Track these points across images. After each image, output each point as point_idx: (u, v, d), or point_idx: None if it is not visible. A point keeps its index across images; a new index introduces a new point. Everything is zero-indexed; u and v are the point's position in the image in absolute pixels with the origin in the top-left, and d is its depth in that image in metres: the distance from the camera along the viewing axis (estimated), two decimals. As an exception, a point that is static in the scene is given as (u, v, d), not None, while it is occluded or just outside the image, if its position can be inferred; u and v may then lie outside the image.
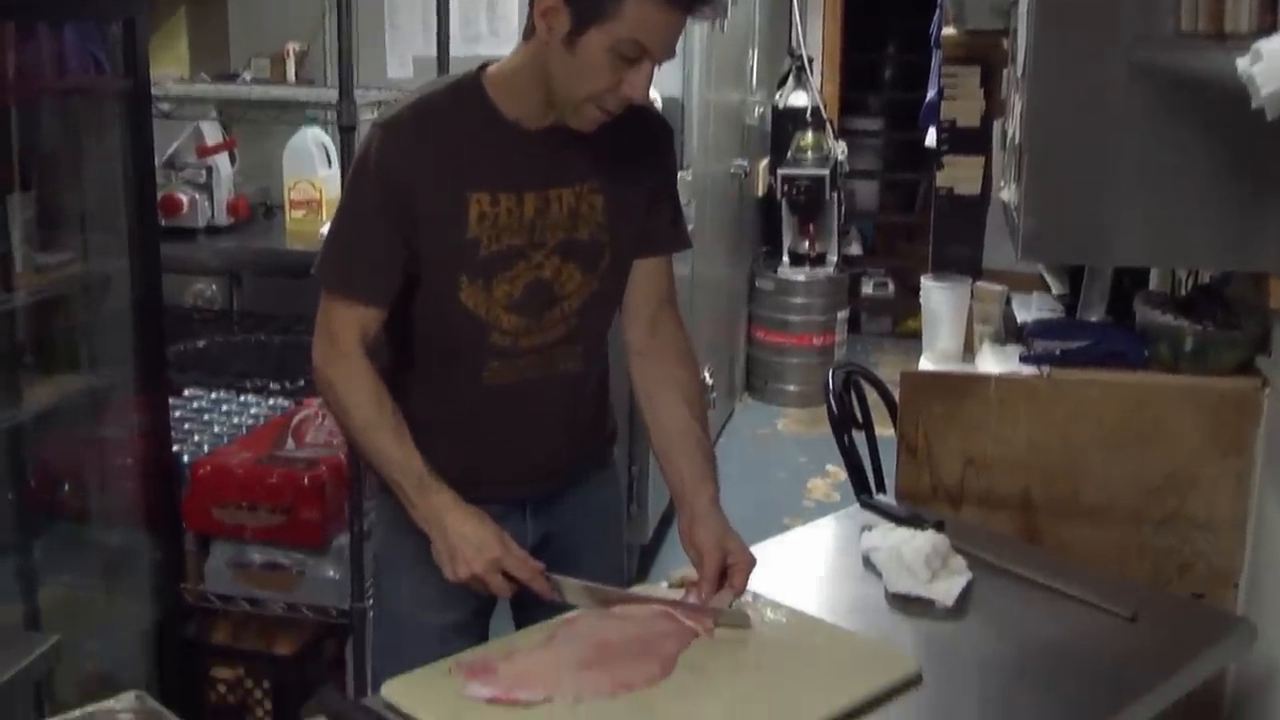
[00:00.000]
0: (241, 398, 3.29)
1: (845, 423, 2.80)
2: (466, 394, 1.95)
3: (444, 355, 1.95)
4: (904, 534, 2.06)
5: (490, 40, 4.06)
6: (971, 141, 3.56)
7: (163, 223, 3.28)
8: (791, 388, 6.24)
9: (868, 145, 7.76)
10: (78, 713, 1.52)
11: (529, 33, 1.79)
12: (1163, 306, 2.59)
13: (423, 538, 1.85)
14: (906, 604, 1.95)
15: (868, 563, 2.07)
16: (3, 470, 2.70)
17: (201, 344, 3.50)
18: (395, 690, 1.65)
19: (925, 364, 3.09)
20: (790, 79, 6.34)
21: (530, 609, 1.93)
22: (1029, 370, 2.63)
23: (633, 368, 2.03)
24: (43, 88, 2.64)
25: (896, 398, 2.72)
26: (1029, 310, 3.08)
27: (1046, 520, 2.54)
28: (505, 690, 1.62)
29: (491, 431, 1.98)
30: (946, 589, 1.94)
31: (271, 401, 3.26)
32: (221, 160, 3.74)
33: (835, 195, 6.18)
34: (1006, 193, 2.57)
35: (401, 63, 4.14)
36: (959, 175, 3.64)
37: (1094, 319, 2.83)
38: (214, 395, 3.31)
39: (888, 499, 2.41)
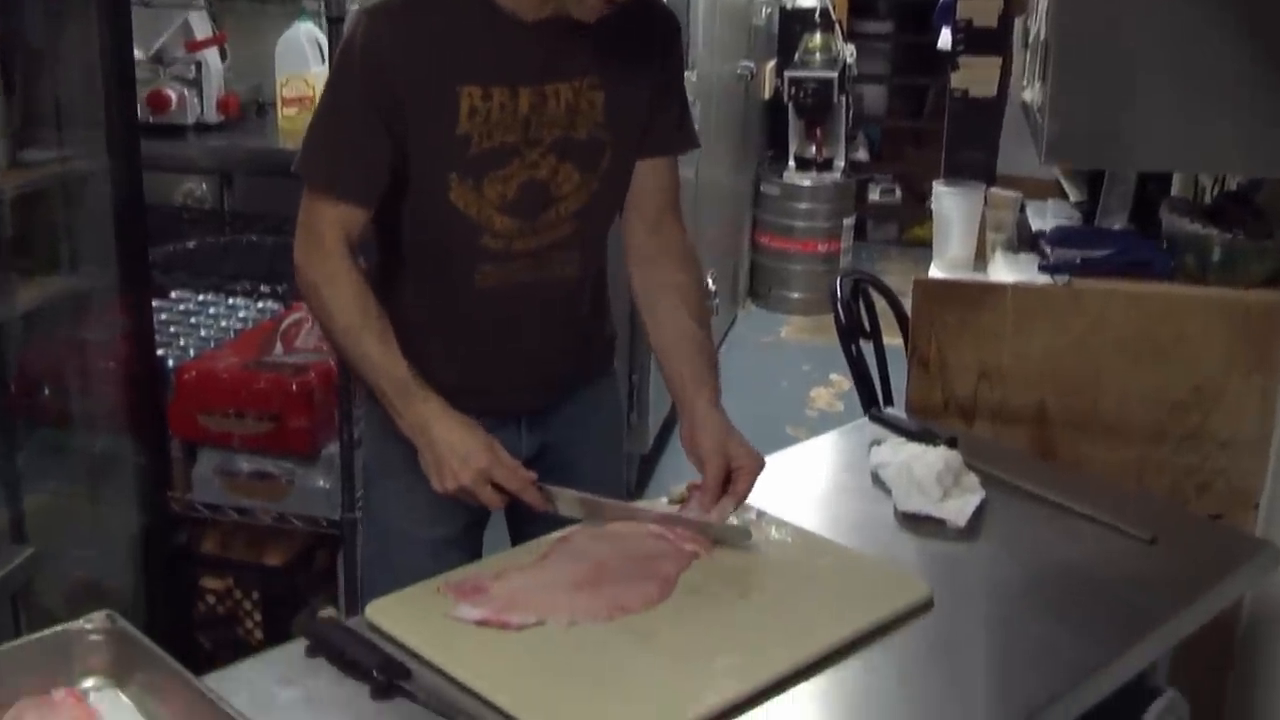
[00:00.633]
0: (230, 300, 3.22)
1: (853, 332, 2.72)
2: (458, 299, 1.88)
3: (434, 258, 1.87)
4: (915, 449, 1.98)
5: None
6: (988, 41, 3.43)
7: (151, 120, 3.23)
8: (796, 295, 6.23)
9: (876, 48, 7.62)
10: (47, 632, 1.46)
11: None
12: (1190, 214, 2.49)
13: (411, 448, 1.78)
14: (917, 523, 1.87)
15: (876, 479, 1.99)
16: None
17: (191, 245, 3.42)
18: (380, 611, 1.58)
19: (935, 272, 3.01)
20: (799, -22, 6.23)
21: (528, 523, 1.87)
22: (1047, 279, 2.53)
23: (633, 273, 1.95)
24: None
25: (906, 307, 2.63)
26: (1044, 218, 3.00)
27: (1062, 435, 2.47)
28: (495, 612, 1.55)
29: (484, 339, 1.91)
30: (959, 508, 1.87)
31: (261, 305, 3.18)
32: (211, 55, 3.62)
33: (843, 99, 6.12)
34: (1029, 93, 2.47)
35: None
36: (974, 77, 3.52)
37: (1115, 227, 2.73)
38: (201, 298, 3.23)
39: (898, 413, 2.33)
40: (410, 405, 1.76)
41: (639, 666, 1.47)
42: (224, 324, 3.11)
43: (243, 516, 2.84)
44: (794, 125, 6.17)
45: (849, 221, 6.29)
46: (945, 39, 3.66)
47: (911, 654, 1.56)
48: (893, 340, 2.78)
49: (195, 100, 3.58)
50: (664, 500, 1.86)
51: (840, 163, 6.23)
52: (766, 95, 6.13)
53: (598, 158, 1.83)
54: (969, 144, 3.51)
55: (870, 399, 2.59)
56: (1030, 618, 1.67)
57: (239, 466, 2.80)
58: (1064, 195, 3.17)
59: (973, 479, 1.93)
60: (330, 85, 1.81)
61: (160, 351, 2.87)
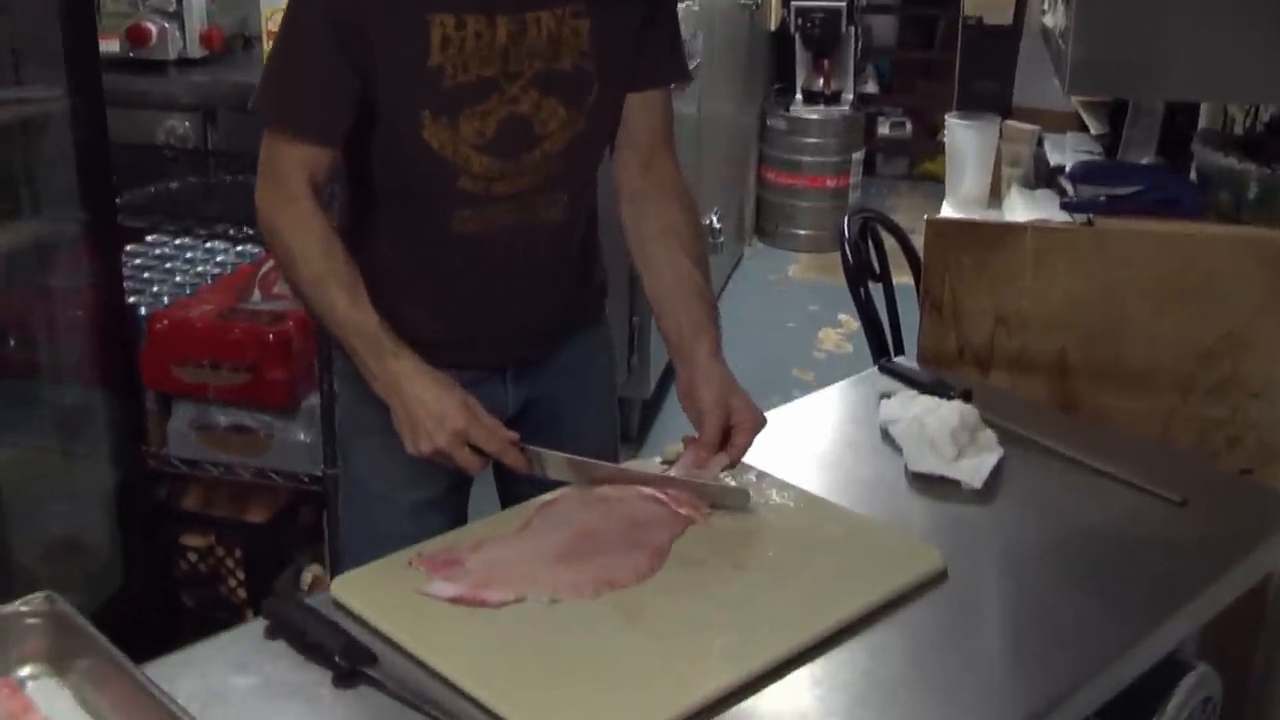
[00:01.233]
0: (208, 244, 3.08)
1: (861, 274, 2.58)
2: (435, 246, 1.75)
3: (408, 203, 1.74)
4: (927, 403, 1.85)
5: None
6: (1004, -35, 3.31)
7: (131, 54, 3.09)
8: (803, 232, 6.13)
9: (886, -23, 7.46)
10: (-17, 616, 1.35)
11: None
12: (1224, 148, 2.34)
13: (385, 405, 1.65)
14: (929, 485, 1.75)
15: (886, 436, 1.86)
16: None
17: (174, 185, 3.29)
18: (347, 588, 1.45)
19: (947, 209, 2.91)
20: (806, -97, 6.11)
21: (517, 482, 1.74)
22: (1068, 218, 2.39)
23: (625, 213, 1.82)
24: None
25: (917, 247, 2.49)
26: (1063, 152, 2.89)
27: (1084, 385, 2.33)
28: (471, 588, 1.43)
29: (464, 288, 1.78)
30: (975, 468, 1.74)
31: (240, 249, 3.04)
32: (194, -13, 3.48)
33: (851, 29, 6.03)
34: (1050, 18, 2.33)
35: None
36: (989, 3, 3.41)
37: (1142, 161, 2.59)
38: (179, 242, 3.10)
39: (909, 362, 2.19)
40: (381, 362, 1.63)
41: (626, 649, 1.35)
42: (201, 269, 2.98)
43: (222, 472, 2.72)
44: (801, 57, 6.07)
45: (858, 156, 6.19)
46: (959, -36, 3.53)
47: (923, 633, 1.44)
48: (903, 279, 2.65)
49: (177, 34, 3.45)
50: (657, 460, 1.75)
51: (849, 95, 6.13)
52: (773, 26, 6.05)
53: (584, 91, 1.70)
54: (983, 74, 3.41)
55: (880, 345, 2.46)
56: (1051, 591, 1.54)
57: (215, 420, 2.68)
58: (1084, 128, 3.05)
59: (990, 436, 1.81)
60: (288, 14, 1.66)
61: (132, 299, 2.75)
